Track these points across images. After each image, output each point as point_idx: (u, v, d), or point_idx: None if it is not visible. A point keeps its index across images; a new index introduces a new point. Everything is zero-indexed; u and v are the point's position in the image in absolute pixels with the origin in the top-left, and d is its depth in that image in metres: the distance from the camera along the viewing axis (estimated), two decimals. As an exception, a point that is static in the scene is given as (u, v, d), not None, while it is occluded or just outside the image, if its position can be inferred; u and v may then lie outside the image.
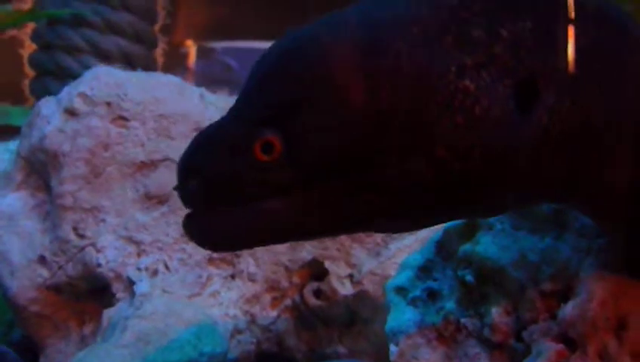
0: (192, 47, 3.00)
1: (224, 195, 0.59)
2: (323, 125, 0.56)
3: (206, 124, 1.21)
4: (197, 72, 2.98)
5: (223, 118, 0.61)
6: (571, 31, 0.58)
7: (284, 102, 0.57)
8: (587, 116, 0.58)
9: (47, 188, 1.18)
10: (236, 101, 0.61)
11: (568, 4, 0.59)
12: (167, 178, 1.15)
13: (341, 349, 1.12)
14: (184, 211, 1.23)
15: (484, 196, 0.59)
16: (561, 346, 0.67)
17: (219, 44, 3.00)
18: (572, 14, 0.59)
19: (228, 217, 0.59)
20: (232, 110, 0.60)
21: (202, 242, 0.61)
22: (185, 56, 2.96)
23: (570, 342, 0.67)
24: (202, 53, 3.01)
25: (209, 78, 2.89)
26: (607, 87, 0.59)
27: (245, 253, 1.15)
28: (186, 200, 0.60)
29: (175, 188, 0.60)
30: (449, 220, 0.70)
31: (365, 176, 0.57)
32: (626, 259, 0.68)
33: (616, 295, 0.66)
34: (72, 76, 2.00)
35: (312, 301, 1.12)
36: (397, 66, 0.55)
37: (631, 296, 0.66)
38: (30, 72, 2.15)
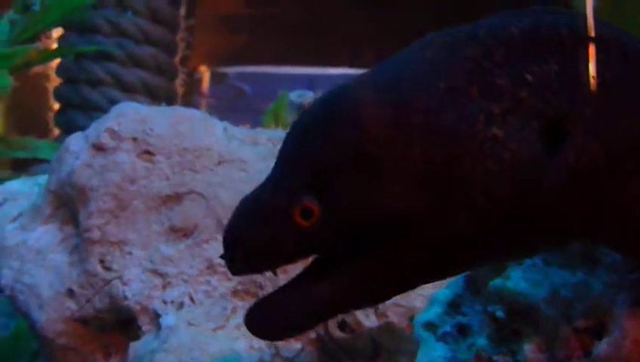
0: (205, 73, 3.06)
1: (268, 261, 0.61)
2: (358, 188, 0.57)
3: (229, 157, 1.24)
4: (210, 96, 3.03)
5: (263, 185, 0.63)
6: (596, 70, 0.59)
7: (319, 168, 0.58)
8: (614, 153, 0.58)
9: (74, 221, 1.20)
10: (274, 166, 0.63)
11: (591, 43, 0.60)
12: (191, 211, 1.16)
13: (366, 381, 1.12)
14: (209, 244, 1.23)
15: (519, 239, 0.60)
16: (596, 384, 0.66)
17: (232, 70, 3.06)
18: (595, 53, 0.59)
19: (284, 310, 0.61)
20: (271, 176, 0.63)
21: (265, 336, 0.65)
22: (199, 81, 3.01)
23: (604, 380, 0.66)
24: (216, 78, 3.06)
25: (222, 102, 2.95)
26: (633, 122, 0.60)
27: (269, 284, 1.15)
28: (232, 269, 0.63)
29: (221, 257, 0.62)
30: (489, 264, 0.71)
31: (406, 237, 0.57)
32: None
33: (651, 332, 0.66)
34: (95, 108, 2.05)
35: (337, 333, 1.12)
36: (427, 123, 0.57)
37: (665, 333, 0.66)
38: (55, 104, 2.20)
